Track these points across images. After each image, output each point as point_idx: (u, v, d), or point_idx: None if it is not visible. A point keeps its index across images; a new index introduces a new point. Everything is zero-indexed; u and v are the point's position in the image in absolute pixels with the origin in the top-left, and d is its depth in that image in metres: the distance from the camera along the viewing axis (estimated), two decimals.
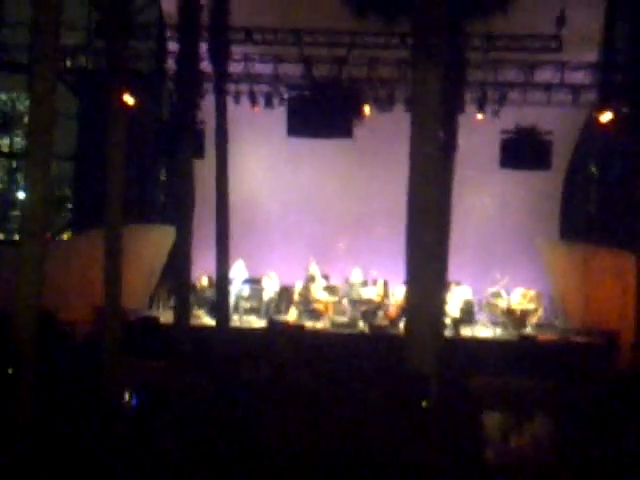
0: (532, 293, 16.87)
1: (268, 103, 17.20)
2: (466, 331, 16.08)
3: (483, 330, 16.40)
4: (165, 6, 17.15)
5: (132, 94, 14.36)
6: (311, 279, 17.06)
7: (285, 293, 17.28)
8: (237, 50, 15.73)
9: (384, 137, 17.35)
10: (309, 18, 16.03)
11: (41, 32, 9.86)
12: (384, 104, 16.93)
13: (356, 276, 17.17)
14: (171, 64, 15.70)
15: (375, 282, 17.13)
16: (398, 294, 16.10)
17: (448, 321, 15.36)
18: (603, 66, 16.78)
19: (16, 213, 22.08)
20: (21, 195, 16.88)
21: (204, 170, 15.52)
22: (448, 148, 12.81)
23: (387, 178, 17.39)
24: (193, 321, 15.25)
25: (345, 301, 16.85)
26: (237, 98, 17.16)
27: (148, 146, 17.78)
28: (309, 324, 16.17)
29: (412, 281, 10.64)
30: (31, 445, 8.26)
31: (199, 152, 15.21)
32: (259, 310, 17.04)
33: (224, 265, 14.75)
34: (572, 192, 18.91)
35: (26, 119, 13.14)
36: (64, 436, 8.54)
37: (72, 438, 8.47)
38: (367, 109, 16.25)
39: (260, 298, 17.10)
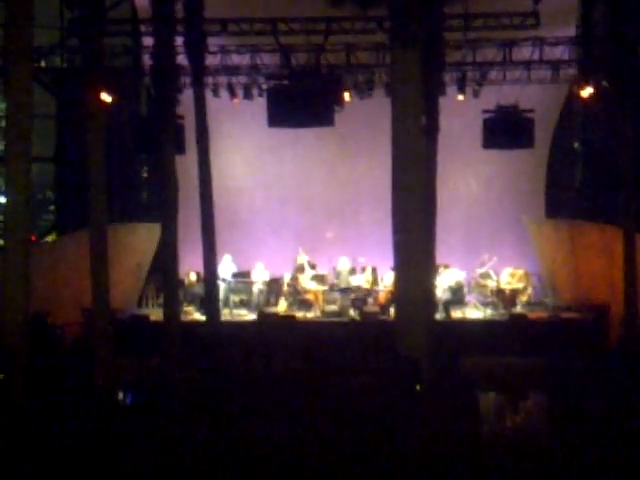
0: (521, 272, 16.91)
1: (247, 94, 17.08)
2: (456, 313, 16.11)
3: (473, 311, 16.43)
4: (138, 0, 16.99)
5: (109, 91, 14.23)
6: (300, 269, 17.02)
7: (274, 285, 17.24)
8: (213, 42, 15.60)
9: (366, 123, 17.30)
10: (284, 6, 15.92)
11: (14, 32, 9.75)
12: (364, 90, 16.85)
13: (343, 264, 17.14)
14: (147, 59, 15.56)
15: (364, 269, 17.11)
16: (387, 280, 16.09)
17: (438, 304, 15.38)
18: (582, 41, 16.75)
19: None
20: (2, 199, 16.71)
21: (186, 165, 15.42)
22: (430, 131, 12.77)
23: (371, 164, 17.36)
24: (183, 317, 15.18)
25: (335, 290, 16.81)
26: (216, 91, 17.04)
27: (128, 143, 17.64)
28: (299, 314, 16.15)
29: (400, 266, 10.63)
30: (25, 448, 8.21)
31: (180, 147, 15.09)
32: (249, 303, 17.00)
33: (211, 260, 14.68)
34: (556, 169, 18.92)
35: (3, 122, 13.02)
36: (58, 437, 8.50)
37: (67, 439, 8.43)
38: (347, 95, 16.19)
39: (250, 291, 17.06)
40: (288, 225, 18.32)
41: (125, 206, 18.88)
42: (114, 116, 15.18)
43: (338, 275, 17.06)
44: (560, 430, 9.12)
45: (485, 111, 15.91)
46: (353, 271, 17.12)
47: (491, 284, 16.71)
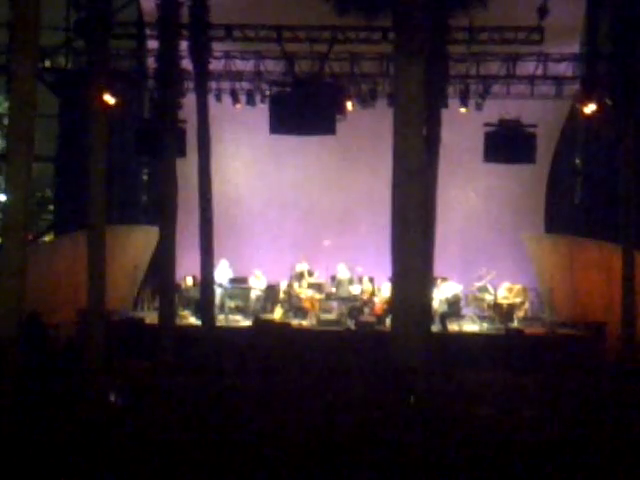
0: (518, 287, 16.86)
1: (250, 100, 17.10)
2: (453, 326, 16.06)
3: (470, 325, 16.37)
4: (144, 4, 17.02)
5: (112, 94, 14.23)
6: (299, 276, 16.95)
7: (271, 292, 17.18)
8: (218, 47, 15.64)
9: (367, 132, 17.31)
10: (290, 14, 15.95)
11: (20, 32, 9.76)
12: (367, 99, 16.88)
13: (343, 272, 16.99)
14: (151, 63, 15.59)
15: (361, 279, 17.06)
16: (384, 290, 16.05)
17: (435, 316, 15.34)
18: (586, 57, 16.79)
19: None
20: (2, 197, 16.71)
21: (186, 169, 15.41)
22: (432, 143, 12.78)
23: (371, 174, 17.36)
24: (178, 321, 15.14)
25: (332, 298, 16.75)
26: (218, 96, 17.07)
27: (129, 146, 17.65)
28: (295, 322, 16.10)
29: (398, 277, 10.61)
30: (13, 446, 8.16)
31: (181, 151, 15.10)
32: (245, 309, 16.95)
33: (208, 265, 14.66)
34: (557, 185, 18.92)
35: (6, 121, 13.02)
36: (48, 437, 8.45)
37: (56, 439, 8.38)
38: (349, 105, 16.20)
39: (246, 297, 17.00)
40: (286, 232, 18.30)
41: (124, 208, 18.86)
42: (116, 118, 15.17)
43: (338, 284, 16.91)
44: (554, 446, 9.07)
45: (487, 124, 15.93)
46: (351, 280, 17.03)
47: (488, 298, 16.66)
